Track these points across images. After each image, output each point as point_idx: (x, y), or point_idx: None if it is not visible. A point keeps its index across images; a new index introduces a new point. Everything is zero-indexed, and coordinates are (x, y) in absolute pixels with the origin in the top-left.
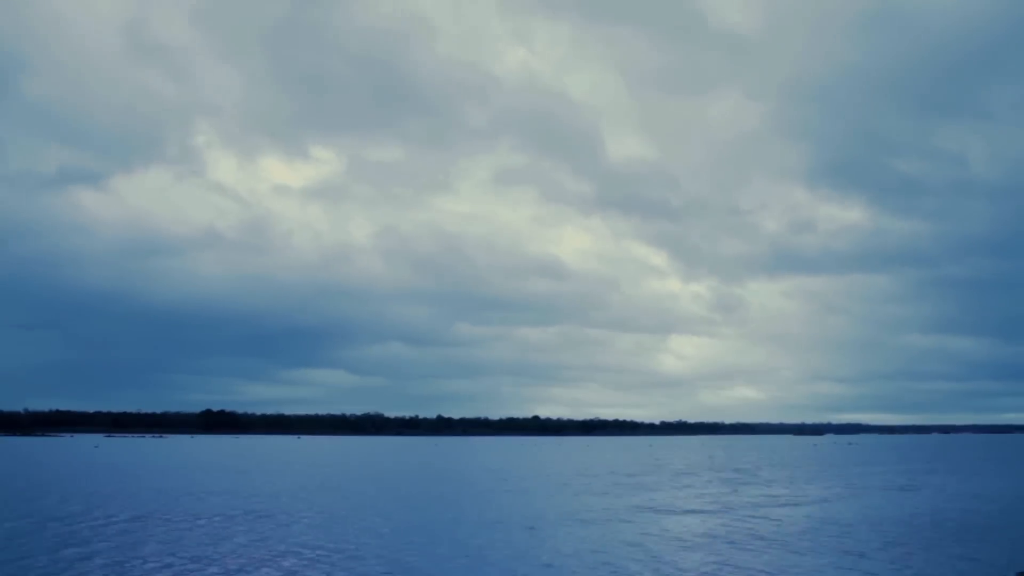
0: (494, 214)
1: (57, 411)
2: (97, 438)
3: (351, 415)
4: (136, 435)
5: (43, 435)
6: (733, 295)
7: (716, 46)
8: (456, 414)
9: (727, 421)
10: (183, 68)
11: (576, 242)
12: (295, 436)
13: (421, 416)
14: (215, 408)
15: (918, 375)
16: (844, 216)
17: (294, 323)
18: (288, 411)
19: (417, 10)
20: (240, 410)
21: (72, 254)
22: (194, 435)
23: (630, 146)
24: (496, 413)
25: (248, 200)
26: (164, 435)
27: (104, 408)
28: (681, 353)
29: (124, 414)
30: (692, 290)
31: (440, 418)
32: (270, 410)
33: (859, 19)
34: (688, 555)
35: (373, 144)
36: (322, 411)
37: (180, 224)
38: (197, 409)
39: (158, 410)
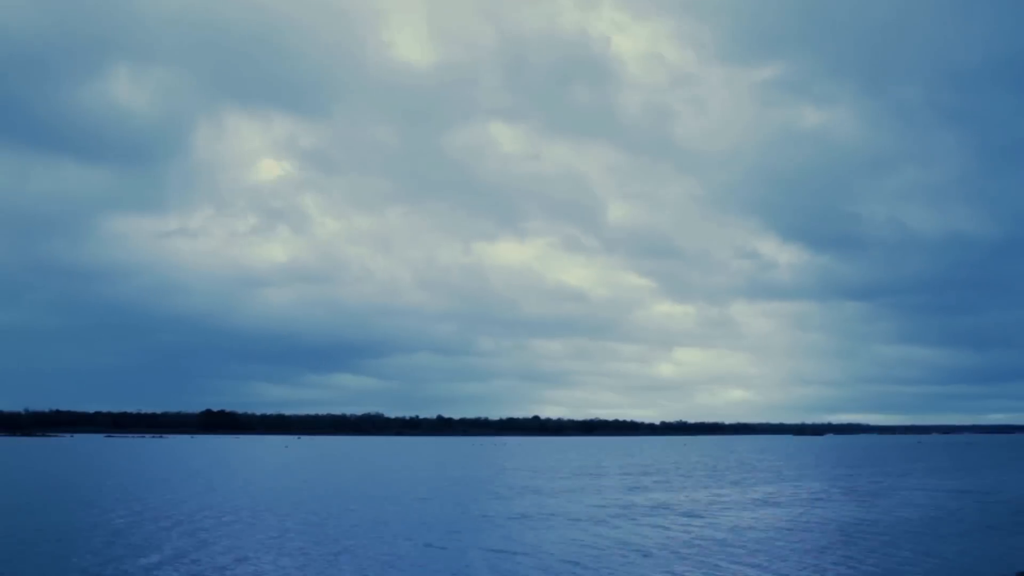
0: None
1: (57, 411)
2: (97, 438)
3: (351, 415)
4: (136, 435)
5: (43, 435)
6: (721, 314)
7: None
8: (456, 414)
9: (727, 421)
10: None
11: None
12: (295, 436)
13: (422, 416)
14: (215, 408)
15: (892, 379)
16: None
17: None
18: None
19: None
20: (242, 410)
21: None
22: (194, 435)
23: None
24: (496, 413)
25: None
26: (164, 435)
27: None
28: (680, 361)
29: (124, 414)
30: (684, 311)
31: (440, 418)
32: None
33: None
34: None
35: (422, 209)
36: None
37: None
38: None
39: (158, 411)
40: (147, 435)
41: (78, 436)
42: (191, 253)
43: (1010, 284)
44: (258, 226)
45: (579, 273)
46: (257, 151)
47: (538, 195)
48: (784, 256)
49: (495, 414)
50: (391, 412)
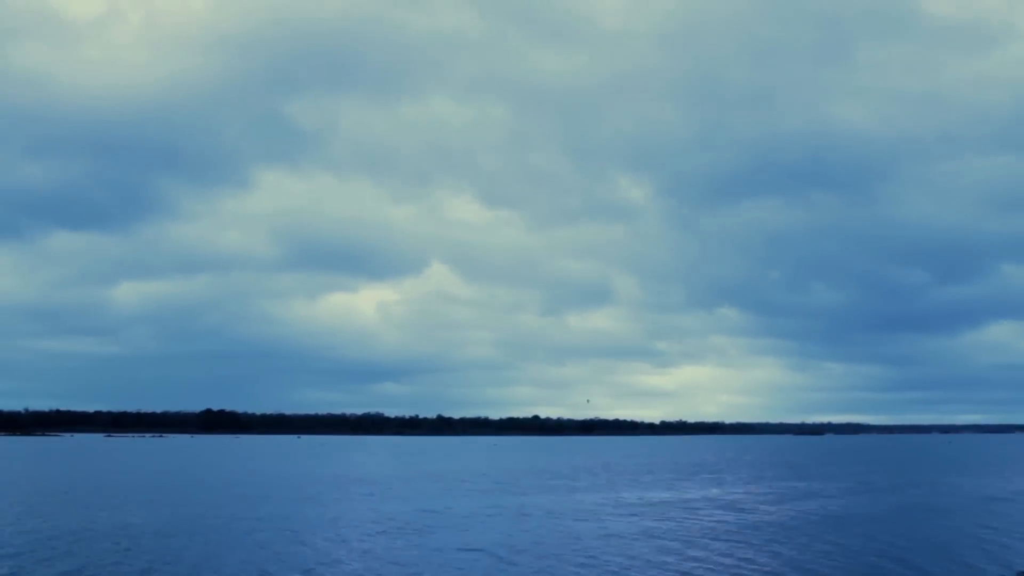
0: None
1: (57, 411)
2: (97, 438)
3: (351, 415)
4: (136, 435)
5: (43, 435)
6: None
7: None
8: (456, 414)
9: (727, 421)
10: None
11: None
12: (295, 436)
13: (421, 416)
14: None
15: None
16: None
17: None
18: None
19: None
20: (240, 410)
21: None
22: (194, 435)
23: None
24: (496, 413)
25: None
26: (164, 435)
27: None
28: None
29: (124, 414)
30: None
31: (440, 418)
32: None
33: None
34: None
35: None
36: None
37: None
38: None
39: (158, 410)
40: (147, 435)
41: (78, 436)
42: None
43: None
44: None
45: None
46: None
47: None
48: None
49: (495, 414)
50: (391, 412)
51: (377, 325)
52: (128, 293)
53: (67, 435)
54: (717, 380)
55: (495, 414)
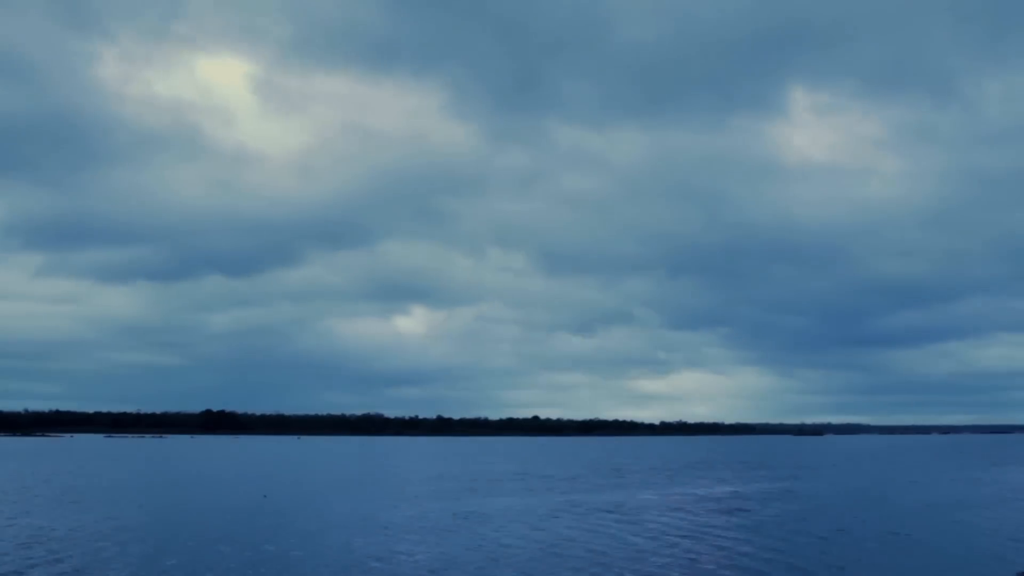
0: None
1: (57, 411)
2: (98, 438)
3: (351, 415)
4: (136, 435)
5: (43, 435)
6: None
7: None
8: (456, 415)
9: (727, 421)
10: None
11: None
12: (295, 437)
13: (421, 416)
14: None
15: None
16: None
17: None
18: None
19: None
20: (241, 410)
21: None
22: (194, 435)
23: None
24: (496, 414)
25: None
26: (164, 435)
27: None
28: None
29: (124, 414)
30: None
31: (440, 418)
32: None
33: None
34: None
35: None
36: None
37: None
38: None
39: (158, 410)
40: (147, 435)
41: (78, 436)
42: None
43: None
44: None
45: None
46: None
47: None
48: None
49: (495, 414)
50: (391, 412)
51: (407, 338)
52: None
53: (67, 435)
54: (711, 384)
55: (494, 415)
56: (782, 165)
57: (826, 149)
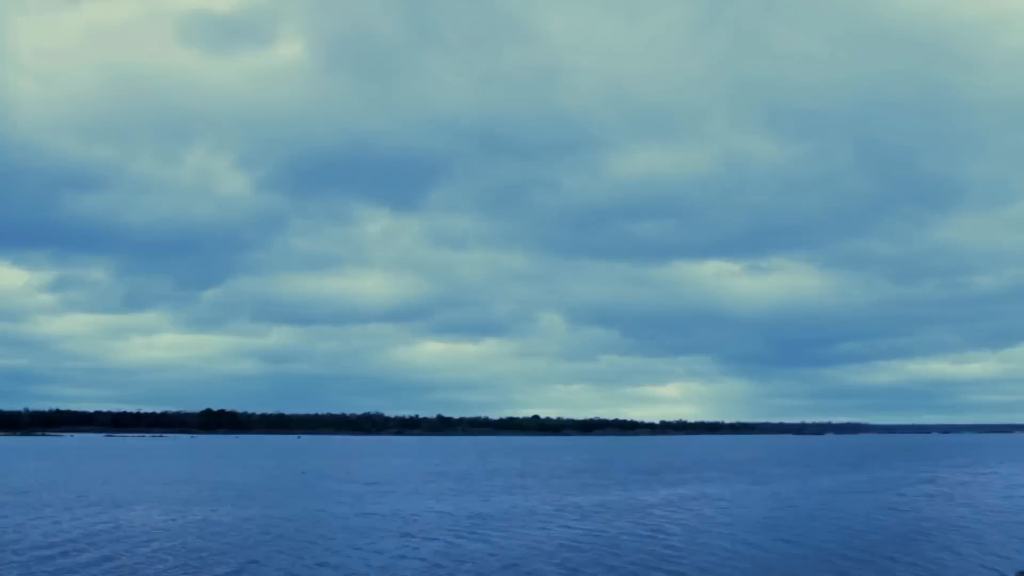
0: None
1: (57, 411)
2: (98, 438)
3: (351, 414)
4: (136, 434)
5: (43, 434)
6: None
7: None
8: (456, 414)
9: (727, 421)
10: None
11: None
12: (295, 436)
13: (421, 416)
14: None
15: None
16: None
17: None
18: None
19: None
20: (240, 409)
21: None
22: (194, 435)
23: None
24: (496, 413)
25: None
26: (164, 435)
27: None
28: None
29: (123, 414)
30: None
31: (440, 417)
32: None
33: None
34: None
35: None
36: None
37: None
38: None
39: (158, 409)
40: (147, 435)
41: (78, 436)
42: None
43: None
44: None
45: None
46: None
47: None
48: None
49: (495, 413)
50: (391, 411)
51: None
52: None
53: (67, 435)
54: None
55: (495, 414)
56: None
57: None
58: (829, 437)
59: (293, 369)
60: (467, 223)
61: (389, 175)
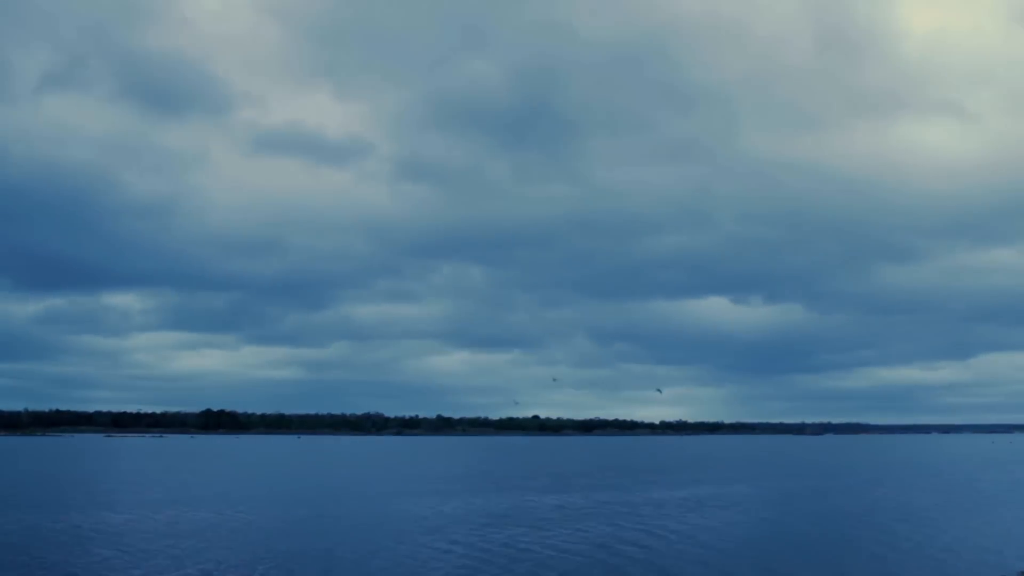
0: None
1: (57, 411)
2: (98, 438)
3: (351, 415)
4: (136, 434)
5: (43, 435)
6: None
7: None
8: (456, 414)
9: (727, 421)
10: None
11: None
12: (295, 436)
13: (421, 416)
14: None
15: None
16: None
17: None
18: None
19: None
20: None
21: None
22: (194, 435)
23: None
24: (496, 413)
25: None
26: (164, 435)
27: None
28: None
29: (123, 414)
30: None
31: (440, 417)
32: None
33: None
34: None
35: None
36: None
37: None
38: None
39: (158, 410)
40: (147, 435)
41: (78, 436)
42: None
43: None
44: None
45: None
46: None
47: None
48: None
49: (495, 413)
50: (391, 411)
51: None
52: None
53: (67, 435)
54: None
55: (495, 414)
56: None
57: None
58: (828, 437)
59: (294, 370)
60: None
61: None
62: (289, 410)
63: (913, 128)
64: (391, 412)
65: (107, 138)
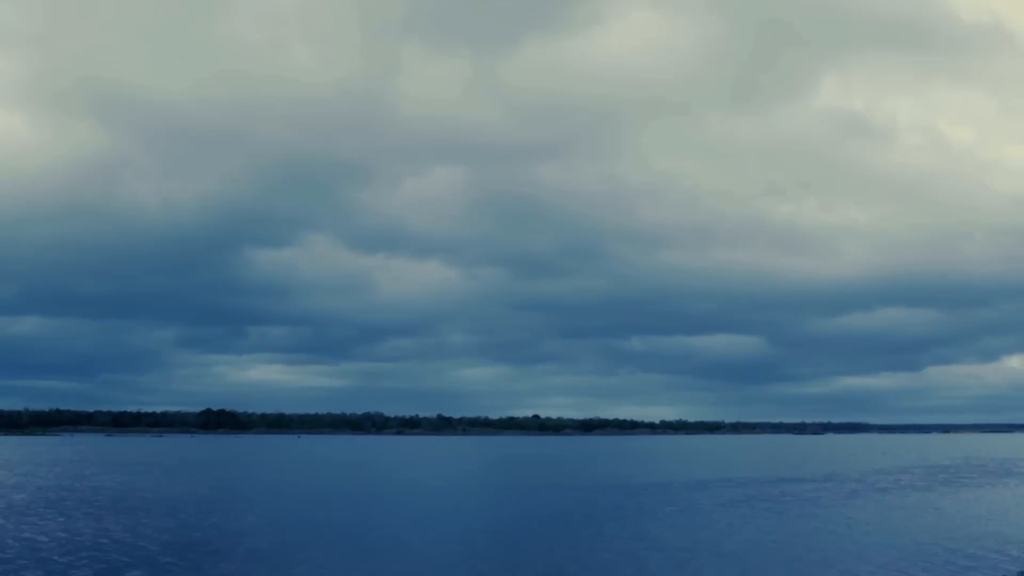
0: None
1: (57, 410)
2: (99, 438)
3: (351, 414)
4: (136, 434)
5: (43, 434)
6: None
7: None
8: (456, 413)
9: (727, 420)
10: None
11: None
12: (295, 436)
13: (421, 415)
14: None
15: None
16: None
17: None
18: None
19: None
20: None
21: None
22: (194, 434)
23: None
24: (496, 412)
25: None
26: (163, 434)
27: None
28: None
29: (123, 413)
30: None
31: (440, 417)
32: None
33: None
34: None
35: None
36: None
37: None
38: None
39: (158, 409)
40: (147, 434)
41: (78, 435)
42: None
43: None
44: None
45: None
46: None
47: None
48: None
49: (495, 413)
50: (391, 411)
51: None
52: None
53: (67, 435)
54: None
55: (495, 413)
56: None
57: None
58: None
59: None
60: None
61: None
62: (289, 410)
63: None
64: (391, 412)
65: None
